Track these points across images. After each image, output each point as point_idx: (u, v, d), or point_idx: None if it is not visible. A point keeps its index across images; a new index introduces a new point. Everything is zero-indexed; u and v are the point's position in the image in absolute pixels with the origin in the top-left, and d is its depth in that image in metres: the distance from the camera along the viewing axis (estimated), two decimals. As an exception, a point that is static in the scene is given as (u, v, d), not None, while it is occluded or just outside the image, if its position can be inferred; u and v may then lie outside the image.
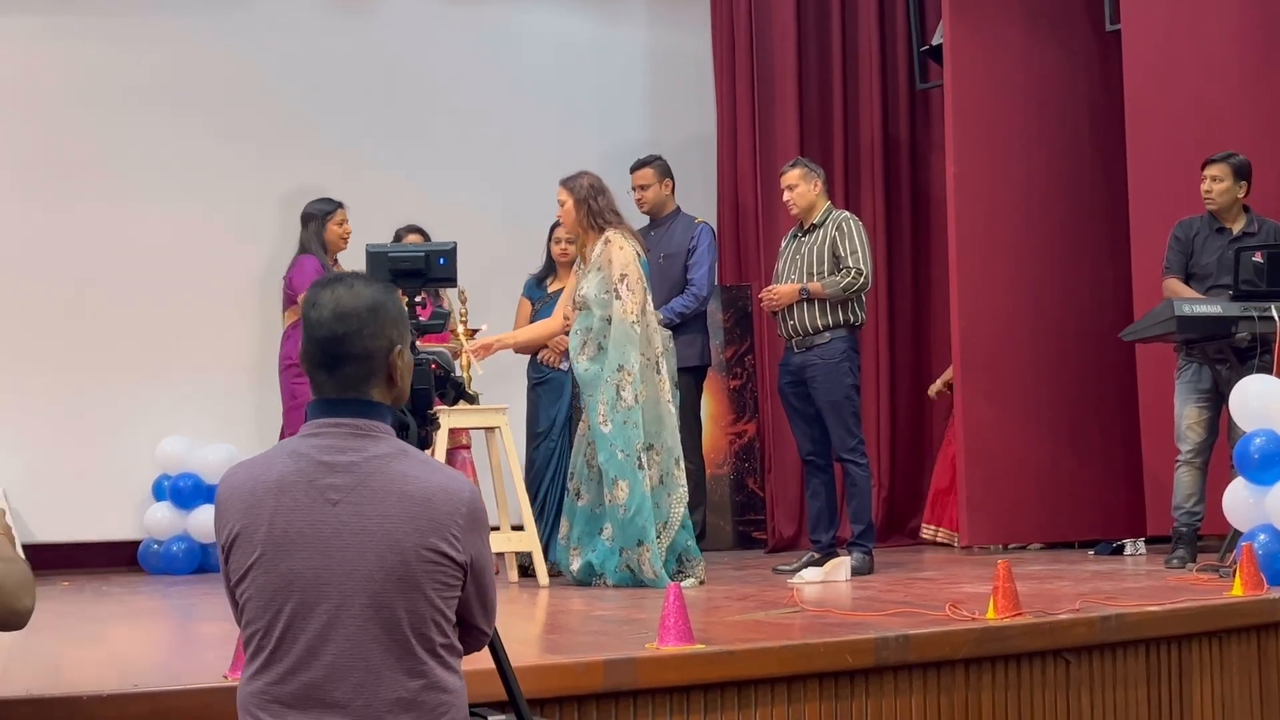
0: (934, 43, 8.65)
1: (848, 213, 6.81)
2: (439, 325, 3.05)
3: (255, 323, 7.92)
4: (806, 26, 9.11)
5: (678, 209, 7.32)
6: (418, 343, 2.87)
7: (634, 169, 7.29)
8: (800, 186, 6.71)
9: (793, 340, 6.65)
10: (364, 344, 2.41)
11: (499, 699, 3.25)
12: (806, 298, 6.57)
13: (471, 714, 3.34)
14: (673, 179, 7.33)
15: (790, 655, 3.80)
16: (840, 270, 6.55)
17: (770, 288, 6.73)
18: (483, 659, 3.14)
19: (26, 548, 7.39)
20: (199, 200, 8.04)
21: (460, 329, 6.22)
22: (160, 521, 7.66)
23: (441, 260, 2.98)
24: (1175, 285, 6.46)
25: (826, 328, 6.56)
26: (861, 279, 6.53)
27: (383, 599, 2.30)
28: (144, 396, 7.89)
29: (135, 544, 7.77)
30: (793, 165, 6.84)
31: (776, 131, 8.99)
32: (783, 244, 6.96)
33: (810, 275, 6.61)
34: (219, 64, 8.23)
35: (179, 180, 8.04)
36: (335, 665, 2.29)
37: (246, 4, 8.32)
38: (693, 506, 6.48)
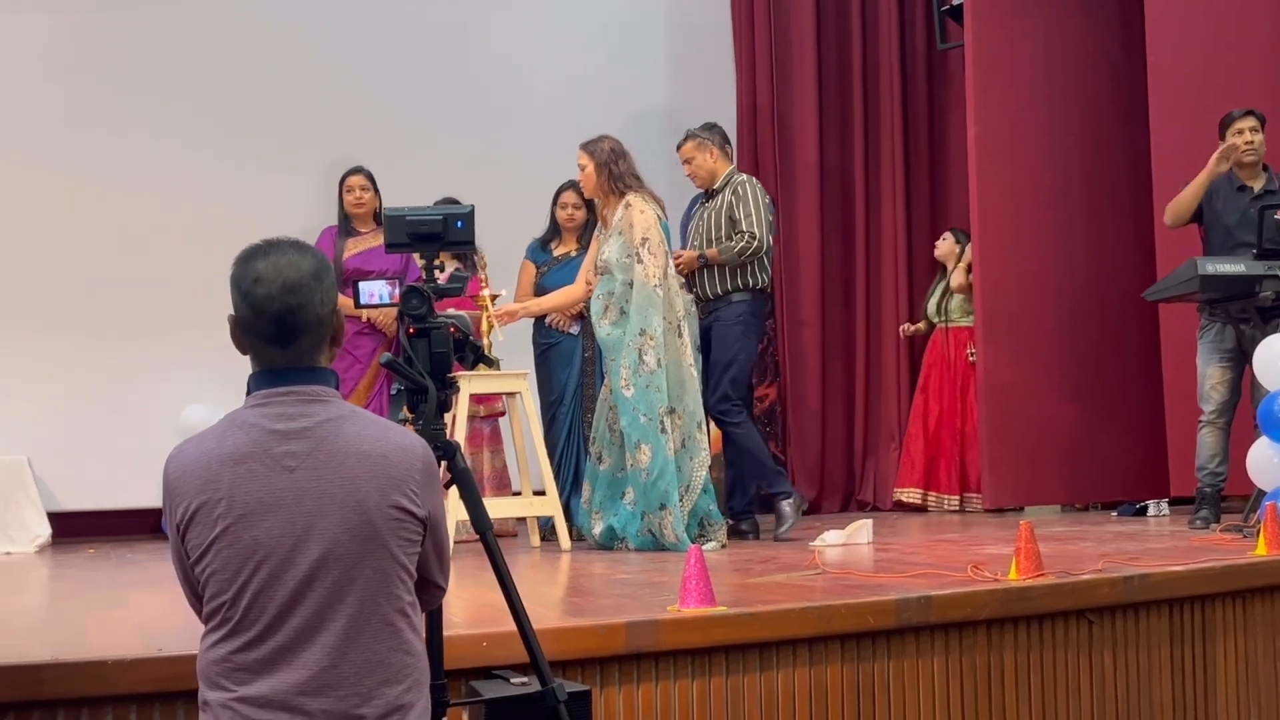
0: (954, 2, 8.59)
1: (745, 176, 6.76)
2: (458, 289, 3.04)
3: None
4: (826, -11, 9.07)
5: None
6: (434, 306, 2.86)
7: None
8: (697, 158, 6.73)
9: (701, 305, 6.66)
10: (316, 312, 2.38)
11: (520, 661, 3.27)
12: (705, 264, 6.58)
13: (493, 676, 3.37)
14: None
15: (812, 617, 3.79)
16: (736, 234, 6.53)
17: (675, 253, 6.71)
18: (504, 621, 3.15)
19: (51, 515, 7.45)
20: (227, 169, 8.06)
21: (483, 292, 6.20)
22: (183, 489, 7.68)
23: (460, 223, 2.97)
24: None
25: (729, 291, 6.58)
26: (755, 243, 6.51)
27: (350, 560, 2.30)
28: (167, 364, 7.92)
29: (158, 511, 7.79)
30: (685, 138, 6.82)
31: (795, 96, 8.96)
32: (695, 208, 6.98)
33: (711, 241, 6.63)
34: (257, 29, 8.26)
35: (208, 149, 8.08)
36: (303, 630, 2.29)
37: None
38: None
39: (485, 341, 6.21)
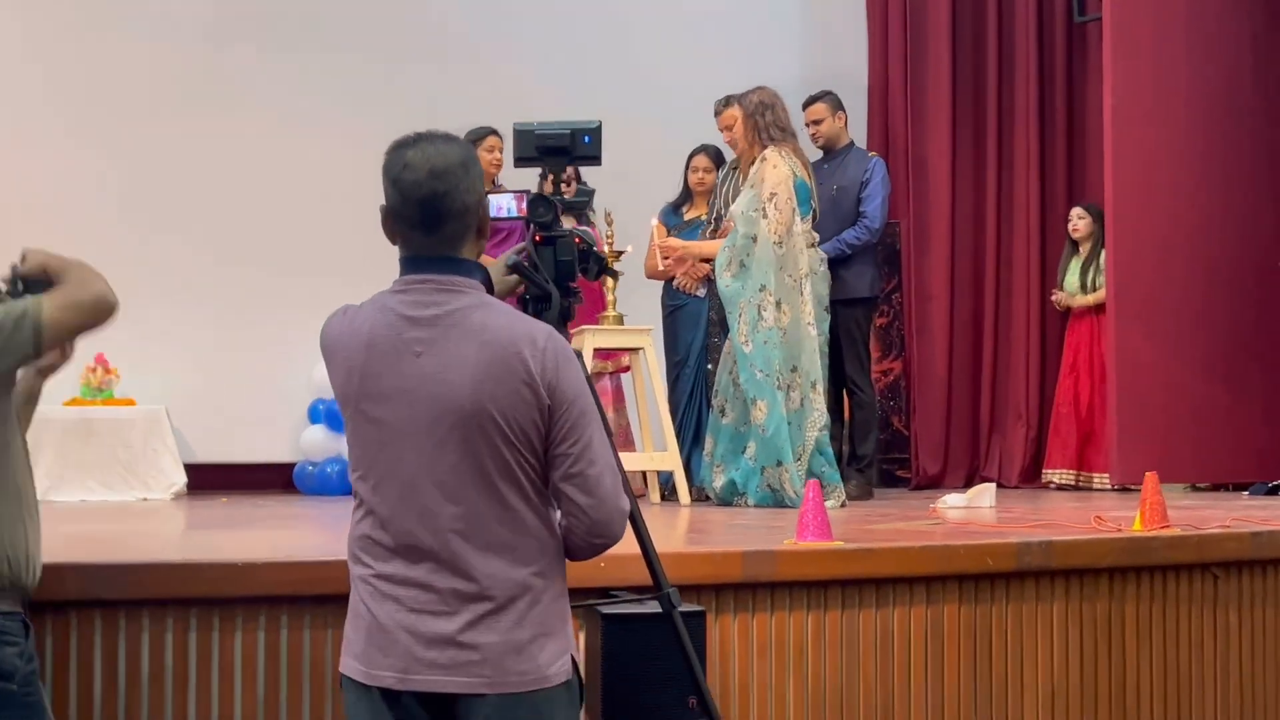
0: (1093, -25, 8.46)
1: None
2: (583, 203, 3.09)
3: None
4: (961, -42, 8.98)
5: (851, 142, 7.34)
6: (559, 216, 2.91)
7: (806, 105, 7.28)
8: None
9: None
10: (462, 200, 2.43)
11: (637, 583, 3.30)
12: None
13: (610, 596, 3.41)
14: (845, 112, 7.31)
15: (930, 555, 3.78)
16: None
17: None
18: (622, 544, 3.19)
19: (186, 467, 7.65)
20: (361, 127, 8.14)
21: (606, 249, 6.25)
22: (315, 444, 7.87)
23: (587, 138, 3.01)
24: None
25: None
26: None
27: (469, 443, 2.35)
28: (301, 321, 8.03)
29: (291, 466, 7.99)
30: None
31: (929, 67, 8.88)
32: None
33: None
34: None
35: (342, 107, 8.23)
36: (428, 511, 2.35)
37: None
38: (866, 433, 6.96)
39: (610, 298, 6.29)
